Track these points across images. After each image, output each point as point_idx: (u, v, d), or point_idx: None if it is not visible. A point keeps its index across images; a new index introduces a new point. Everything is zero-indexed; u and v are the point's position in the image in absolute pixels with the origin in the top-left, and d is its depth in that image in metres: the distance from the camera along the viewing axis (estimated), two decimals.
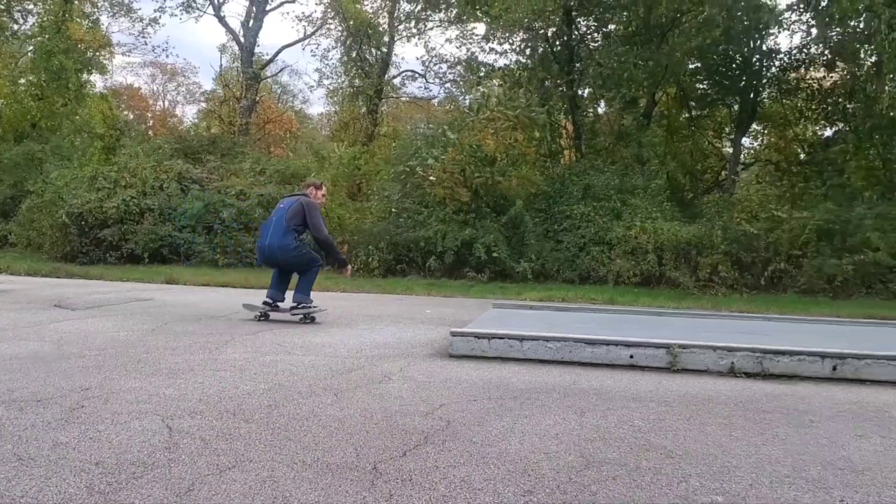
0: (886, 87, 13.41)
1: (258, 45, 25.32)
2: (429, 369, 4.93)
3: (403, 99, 28.54)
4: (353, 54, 24.07)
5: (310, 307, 7.33)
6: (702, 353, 5.05)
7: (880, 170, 15.06)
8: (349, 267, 7.81)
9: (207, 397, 3.97)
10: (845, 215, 13.25)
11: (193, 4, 24.33)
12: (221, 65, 32.33)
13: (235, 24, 26.22)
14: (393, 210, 14.89)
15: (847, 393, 4.55)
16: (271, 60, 27.25)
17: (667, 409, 4.01)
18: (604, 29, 19.36)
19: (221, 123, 26.62)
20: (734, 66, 18.37)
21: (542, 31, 18.74)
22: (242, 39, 24.55)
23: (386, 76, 25.41)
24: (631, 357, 5.16)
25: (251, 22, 24.18)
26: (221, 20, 25.12)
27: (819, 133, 19.78)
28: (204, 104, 32.05)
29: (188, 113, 45.44)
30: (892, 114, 13.40)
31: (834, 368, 4.91)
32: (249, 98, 24.32)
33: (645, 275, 13.49)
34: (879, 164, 15.28)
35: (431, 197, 14.50)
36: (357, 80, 24.65)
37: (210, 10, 24.88)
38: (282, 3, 25.28)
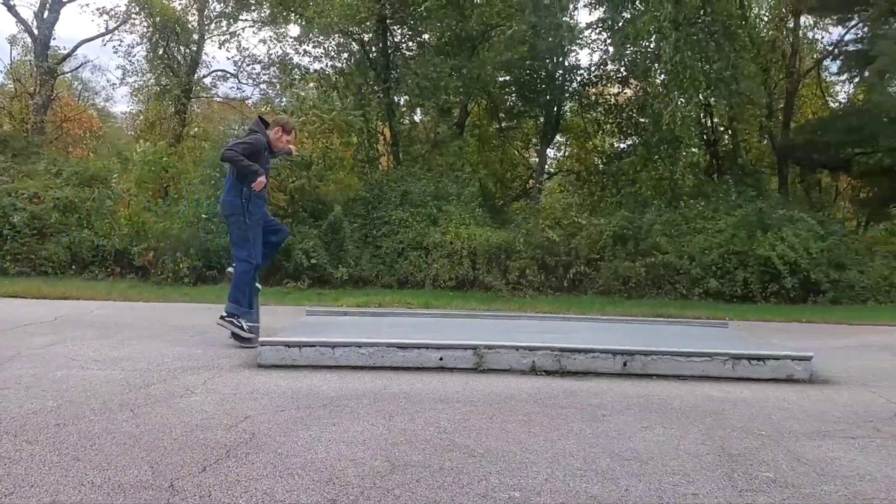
0: (671, 105, 14.69)
1: (54, 38, 23.30)
2: (235, 381, 4.77)
3: (216, 99, 27.45)
4: (160, 52, 22.84)
5: (240, 324, 6.17)
6: (506, 354, 5.28)
7: (666, 180, 16.48)
8: (260, 179, 6.04)
9: None
10: (637, 221, 14.39)
11: None
12: (12, 57, 29.53)
13: (28, 15, 24.01)
14: (203, 215, 14.29)
15: (636, 387, 4.92)
16: (69, 55, 25.19)
17: (472, 408, 4.15)
18: (418, 38, 19.74)
19: (12, 121, 24.27)
20: (539, 80, 19.37)
21: (358, 36, 18.78)
22: (36, 31, 22.52)
23: (196, 75, 24.34)
24: (441, 359, 5.29)
25: (46, 13, 22.24)
26: (11, 9, 22.89)
27: (615, 145, 21.32)
28: None
29: None
30: (673, 129, 14.71)
31: (624, 364, 5.30)
32: (44, 94, 22.34)
33: (460, 279, 13.87)
34: (666, 174, 16.73)
35: None
36: (164, 79, 23.41)
37: None
38: None
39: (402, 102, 19.83)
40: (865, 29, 19.60)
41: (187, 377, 4.84)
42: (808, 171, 21.03)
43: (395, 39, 19.76)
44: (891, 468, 3.28)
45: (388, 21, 18.59)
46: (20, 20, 23.35)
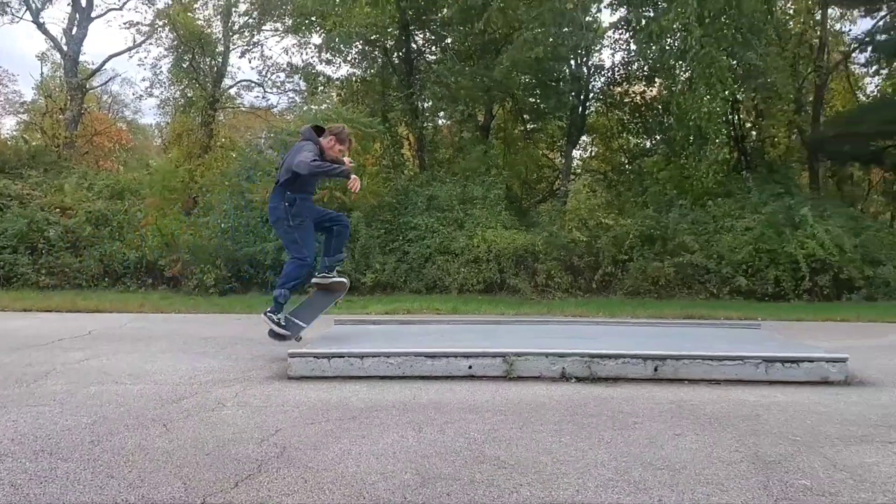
0: (698, 100, 14.58)
1: (83, 53, 23.73)
2: (265, 393, 4.80)
3: (242, 109, 27.71)
4: (186, 64, 23.13)
5: (278, 319, 6.11)
6: (535, 360, 5.25)
7: (691, 178, 16.34)
8: (353, 177, 6.10)
9: (21, 436, 3.68)
10: (664, 221, 14.28)
11: (7, 10, 22.47)
12: (42, 74, 30.08)
13: (57, 32, 24.44)
14: (231, 224, 14.45)
15: (667, 392, 4.86)
16: (98, 70, 25.61)
17: (502, 418, 4.14)
18: (441, 43, 19.77)
19: (44, 136, 24.73)
20: (563, 81, 19.29)
21: (380, 43, 18.87)
22: (65, 48, 22.92)
23: (221, 86, 24.60)
24: (470, 368, 5.28)
25: (74, 30, 22.63)
26: (41, 27, 23.34)
27: (640, 144, 21.16)
28: (24, 115, 29.59)
29: (6, 125, 41.78)
30: (700, 126, 14.58)
31: (655, 369, 5.24)
32: (74, 109, 22.72)
33: (487, 283, 13.87)
34: (692, 172, 16.58)
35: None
36: (190, 91, 23.70)
37: (27, 15, 23.07)
38: (108, 11, 23.86)
39: (425, 107, 19.86)
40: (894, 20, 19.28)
41: (218, 390, 4.89)
42: (840, 164, 20.69)
43: (418, 44, 19.81)
44: None
45: (410, 27, 18.65)
46: (50, 37, 23.82)
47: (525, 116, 21.19)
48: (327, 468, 3.24)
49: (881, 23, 19.97)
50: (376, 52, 19.49)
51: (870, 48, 20.46)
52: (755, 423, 4.07)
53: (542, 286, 13.57)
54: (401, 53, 19.22)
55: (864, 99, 22.44)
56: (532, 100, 20.09)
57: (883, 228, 16.35)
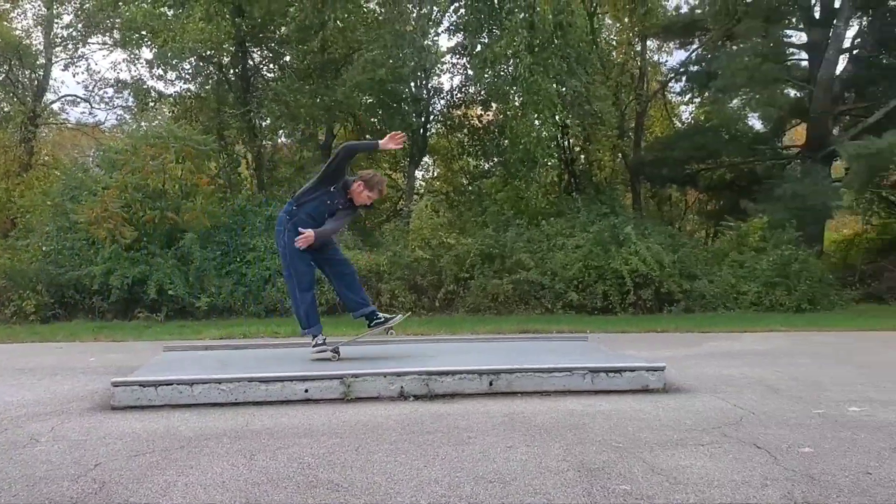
0: (528, 125, 15.30)
1: None
2: (86, 426, 4.47)
3: (67, 125, 25.90)
4: (2, 76, 21.40)
5: (323, 345, 6.24)
6: (373, 381, 5.24)
7: (525, 199, 17.08)
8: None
9: None
10: (502, 240, 14.77)
11: None
12: None
13: None
14: (53, 247, 13.46)
15: (501, 406, 4.99)
16: None
17: (338, 441, 4.09)
18: (279, 61, 19.51)
19: None
20: (405, 102, 19.57)
21: (215, 59, 18.33)
22: None
23: (43, 100, 22.93)
24: (306, 391, 5.18)
25: None
26: None
27: (479, 165, 21.84)
28: None
29: None
30: (531, 149, 15.30)
31: (490, 384, 5.38)
32: None
33: (330, 303, 13.71)
34: (525, 193, 17.33)
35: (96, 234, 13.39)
36: (7, 105, 21.93)
37: None
38: None
39: (264, 126, 19.47)
40: (705, 52, 21.16)
41: (32, 425, 4.51)
42: (659, 186, 22.35)
43: (255, 61, 19.43)
44: (736, 472, 3.48)
45: (246, 44, 18.26)
46: None
47: (367, 136, 21.26)
48: (151, 501, 3.06)
49: (694, 55, 21.87)
50: (211, 68, 18.92)
51: (684, 78, 22.35)
52: (582, 431, 4.26)
53: (386, 306, 13.60)
54: (237, 70, 18.76)
55: (679, 125, 24.41)
56: (374, 120, 20.22)
57: (698, 245, 17.81)
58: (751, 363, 7.14)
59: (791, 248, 14.57)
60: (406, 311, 6.85)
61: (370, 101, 18.92)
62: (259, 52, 19.57)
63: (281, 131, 20.27)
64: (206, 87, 19.34)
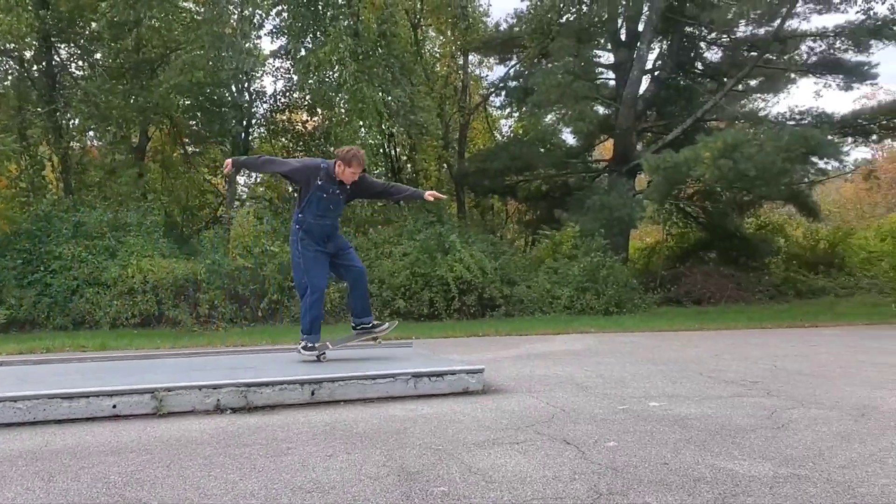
0: (353, 132, 15.29)
1: None
2: None
3: None
4: None
5: (314, 350, 6.41)
6: (188, 394, 4.99)
7: (352, 206, 17.04)
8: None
9: None
10: None
11: None
12: None
13: None
14: None
15: (324, 415, 4.91)
16: None
17: (148, 457, 3.85)
18: (89, 59, 18.24)
19: None
20: (225, 105, 18.94)
21: (16, 53, 16.85)
22: None
23: None
24: (114, 407, 4.84)
25: None
26: None
27: None
28: None
29: None
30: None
31: (312, 393, 5.29)
32: None
33: (144, 315, 13.00)
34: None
35: None
36: None
37: None
38: None
39: (72, 126, 18.11)
40: (523, 69, 22.14)
41: None
42: (482, 196, 23.10)
43: (62, 58, 18.06)
44: (547, 468, 3.64)
45: (52, 39, 16.94)
46: None
47: (185, 140, 20.38)
48: None
49: (512, 70, 22.84)
50: (12, 63, 17.37)
51: (503, 93, 23.27)
52: (403, 436, 4.29)
53: (204, 317, 13.07)
54: (41, 66, 17.34)
55: (499, 138, 25.39)
56: (193, 123, 19.41)
57: (517, 253, 18.58)
58: (563, 363, 7.53)
59: (600, 255, 15.55)
60: (394, 319, 7.18)
61: (188, 102, 18.14)
62: (67, 49, 18.20)
63: (91, 132, 18.92)
64: (6, 83, 17.72)
